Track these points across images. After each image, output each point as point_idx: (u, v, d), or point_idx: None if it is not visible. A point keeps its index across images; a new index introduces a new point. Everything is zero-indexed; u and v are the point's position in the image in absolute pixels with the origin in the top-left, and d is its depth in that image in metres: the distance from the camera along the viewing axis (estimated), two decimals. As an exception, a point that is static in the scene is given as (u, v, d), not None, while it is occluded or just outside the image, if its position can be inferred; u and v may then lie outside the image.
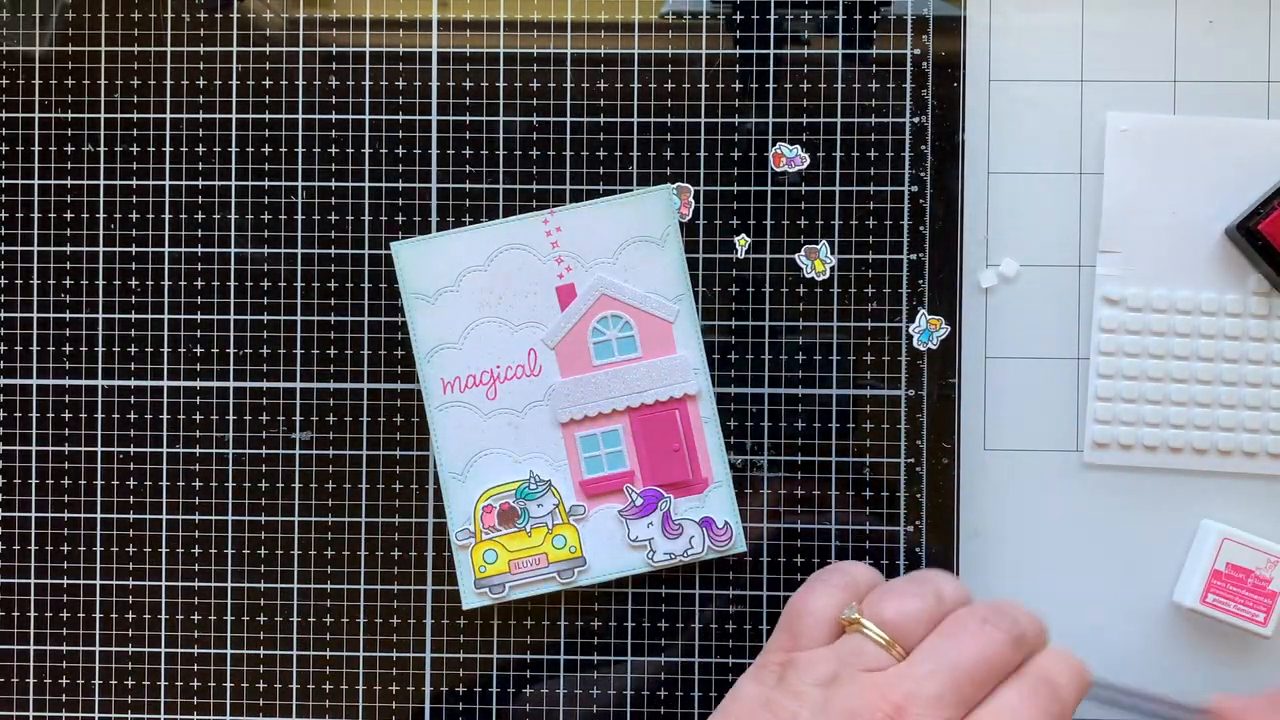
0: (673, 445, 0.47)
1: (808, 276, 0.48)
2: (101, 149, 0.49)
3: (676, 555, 0.47)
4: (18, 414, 0.49)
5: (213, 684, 0.49)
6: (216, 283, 0.48)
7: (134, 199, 0.49)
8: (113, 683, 0.49)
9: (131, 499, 0.49)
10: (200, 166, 0.48)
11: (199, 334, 0.49)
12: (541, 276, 0.48)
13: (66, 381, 0.49)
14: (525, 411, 0.48)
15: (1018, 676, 0.37)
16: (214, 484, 0.49)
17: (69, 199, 0.49)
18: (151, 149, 0.49)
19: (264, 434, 0.48)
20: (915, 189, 0.48)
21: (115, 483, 0.49)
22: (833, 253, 0.48)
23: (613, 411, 0.47)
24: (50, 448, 0.49)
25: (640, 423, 0.47)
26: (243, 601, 0.49)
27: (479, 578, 0.47)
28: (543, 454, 0.48)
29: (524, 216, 0.48)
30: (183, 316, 0.49)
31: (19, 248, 0.49)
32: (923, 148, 0.48)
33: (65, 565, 0.49)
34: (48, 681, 0.49)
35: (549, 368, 0.48)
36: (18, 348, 0.49)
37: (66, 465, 0.49)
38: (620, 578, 0.47)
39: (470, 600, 0.47)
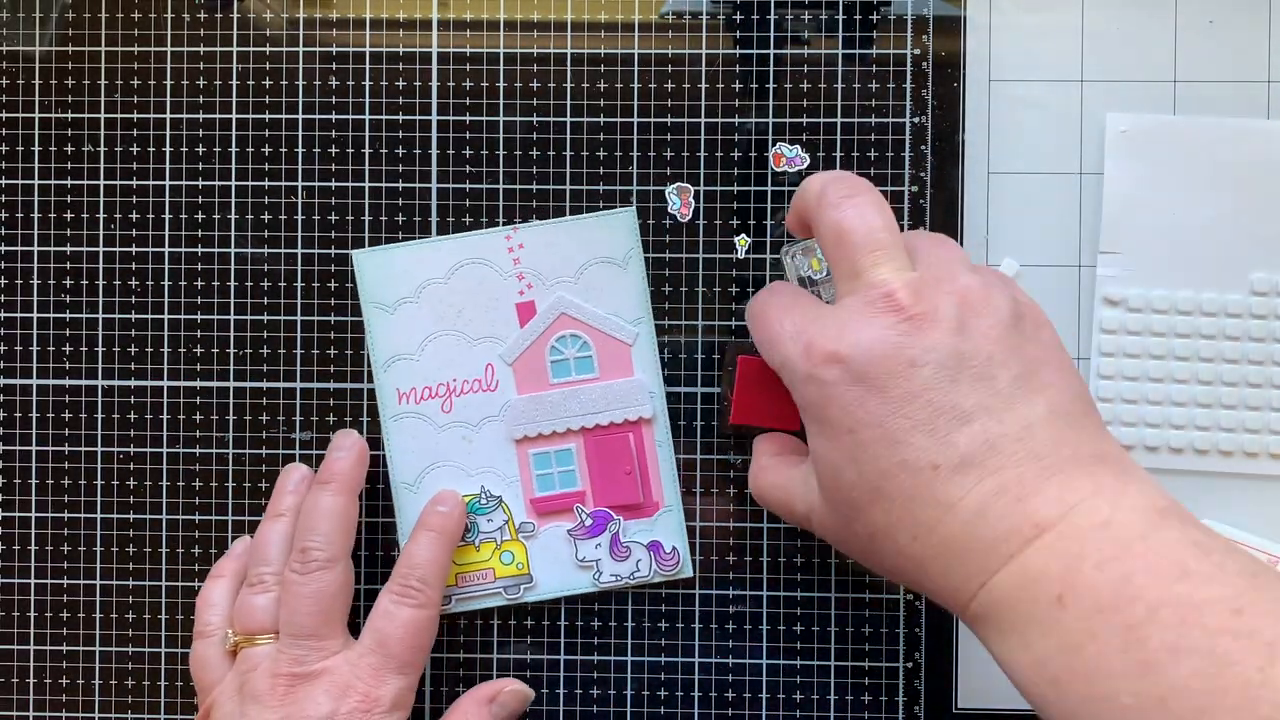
0: (625, 468, 0.47)
1: (805, 275, 0.48)
2: (101, 149, 0.49)
3: (623, 578, 0.47)
4: (18, 414, 0.49)
5: (213, 684, 0.49)
6: (216, 283, 0.48)
7: (134, 199, 0.49)
8: (113, 683, 0.49)
9: (131, 499, 0.49)
10: (200, 166, 0.48)
11: (199, 334, 0.49)
12: (502, 292, 0.47)
13: (66, 381, 0.49)
14: (480, 426, 0.47)
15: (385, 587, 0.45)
16: (214, 484, 0.49)
17: (69, 199, 0.49)
18: (151, 149, 0.49)
19: (264, 434, 0.48)
20: (915, 189, 0.48)
21: (115, 483, 0.49)
22: (833, 253, 0.48)
23: (567, 431, 0.47)
24: (50, 448, 0.49)
25: (594, 444, 0.47)
26: (243, 601, 0.49)
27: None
28: (495, 470, 0.47)
29: (487, 231, 0.47)
30: (183, 316, 0.49)
31: (19, 248, 0.49)
32: (923, 148, 0.48)
33: (65, 565, 0.49)
34: (48, 681, 0.49)
35: (505, 383, 0.47)
36: (18, 348, 0.49)
37: (66, 465, 0.49)
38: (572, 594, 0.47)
39: None
